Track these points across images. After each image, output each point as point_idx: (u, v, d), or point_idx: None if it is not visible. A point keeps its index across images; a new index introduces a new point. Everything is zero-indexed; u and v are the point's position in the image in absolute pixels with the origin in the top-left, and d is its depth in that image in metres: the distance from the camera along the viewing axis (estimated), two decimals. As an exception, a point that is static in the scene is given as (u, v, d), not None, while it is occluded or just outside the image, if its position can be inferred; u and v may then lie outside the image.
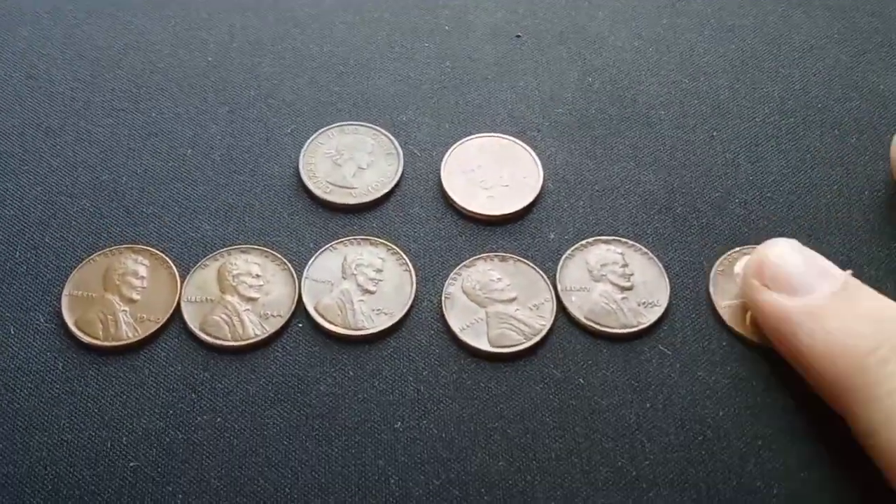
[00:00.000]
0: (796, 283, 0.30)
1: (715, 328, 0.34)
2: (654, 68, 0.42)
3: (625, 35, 0.43)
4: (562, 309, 0.34)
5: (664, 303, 0.34)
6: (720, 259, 0.35)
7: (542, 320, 0.34)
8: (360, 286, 0.34)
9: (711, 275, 0.35)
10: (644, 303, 0.34)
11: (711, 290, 0.35)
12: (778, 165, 0.39)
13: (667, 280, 0.35)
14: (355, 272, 0.35)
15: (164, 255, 0.35)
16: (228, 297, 0.34)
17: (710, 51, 0.43)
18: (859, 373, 0.27)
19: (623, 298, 0.34)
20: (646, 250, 0.36)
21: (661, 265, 0.35)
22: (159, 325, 0.33)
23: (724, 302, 0.34)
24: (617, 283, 0.35)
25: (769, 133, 0.40)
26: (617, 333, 0.33)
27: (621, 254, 0.35)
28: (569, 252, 0.36)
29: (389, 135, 0.39)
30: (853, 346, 0.28)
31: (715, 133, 0.40)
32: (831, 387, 0.29)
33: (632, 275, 0.35)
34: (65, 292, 0.34)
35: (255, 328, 0.33)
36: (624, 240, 0.36)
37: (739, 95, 0.41)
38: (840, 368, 0.28)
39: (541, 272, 0.35)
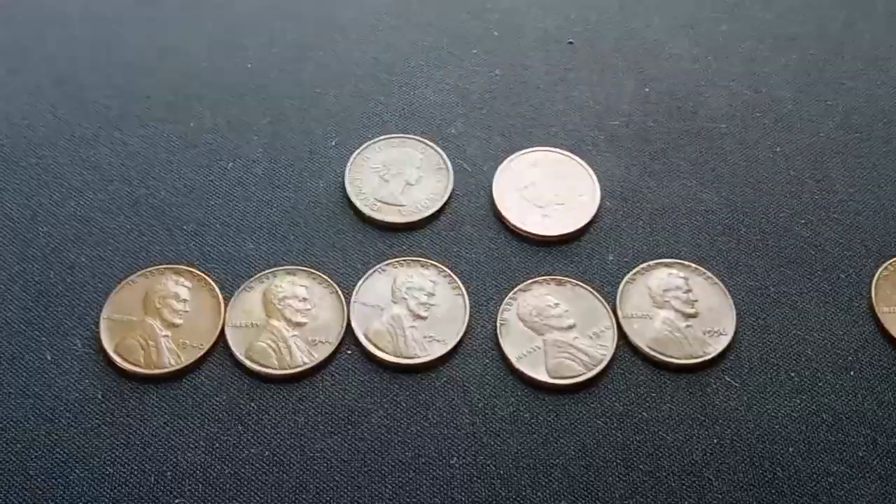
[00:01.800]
0: None
1: (784, 358, 0.32)
2: (713, 78, 0.40)
3: (682, 43, 0.41)
4: (623, 337, 0.33)
5: (730, 331, 0.33)
6: (886, 263, 0.34)
7: (603, 349, 0.32)
8: (412, 311, 0.33)
9: (874, 279, 0.34)
10: (709, 331, 0.33)
11: (873, 295, 0.33)
12: (843, 184, 0.37)
13: (733, 307, 0.33)
14: (406, 296, 0.33)
15: (206, 277, 0.33)
16: (274, 322, 0.32)
17: (771, 60, 0.41)
18: None
19: (687, 326, 0.33)
20: (710, 275, 0.34)
21: (726, 291, 0.34)
22: (203, 352, 0.32)
23: (886, 308, 0.33)
24: (681, 309, 0.33)
25: (834, 149, 0.38)
26: (681, 364, 0.32)
27: (685, 278, 0.34)
28: (629, 276, 0.34)
29: (438, 148, 0.37)
30: None
31: (778, 149, 0.38)
32: None
33: (696, 301, 0.33)
34: (103, 315, 0.32)
35: (303, 355, 0.32)
36: (687, 263, 0.34)
37: (802, 108, 0.39)
38: None
39: (600, 297, 0.33)
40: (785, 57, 0.41)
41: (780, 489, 0.30)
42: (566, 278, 0.34)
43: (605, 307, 0.33)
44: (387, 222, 0.35)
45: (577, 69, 0.40)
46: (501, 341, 0.32)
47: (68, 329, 0.32)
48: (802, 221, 0.36)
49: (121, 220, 0.35)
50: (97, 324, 0.32)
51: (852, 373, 0.32)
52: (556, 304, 0.33)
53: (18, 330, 0.32)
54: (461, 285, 0.34)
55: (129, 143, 0.37)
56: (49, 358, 0.32)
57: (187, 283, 0.33)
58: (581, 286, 0.34)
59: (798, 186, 0.37)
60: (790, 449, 0.30)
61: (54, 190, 0.36)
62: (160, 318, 0.32)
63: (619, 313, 0.33)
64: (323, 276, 0.34)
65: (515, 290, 0.33)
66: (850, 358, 0.32)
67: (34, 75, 0.40)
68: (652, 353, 0.32)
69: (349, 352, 0.32)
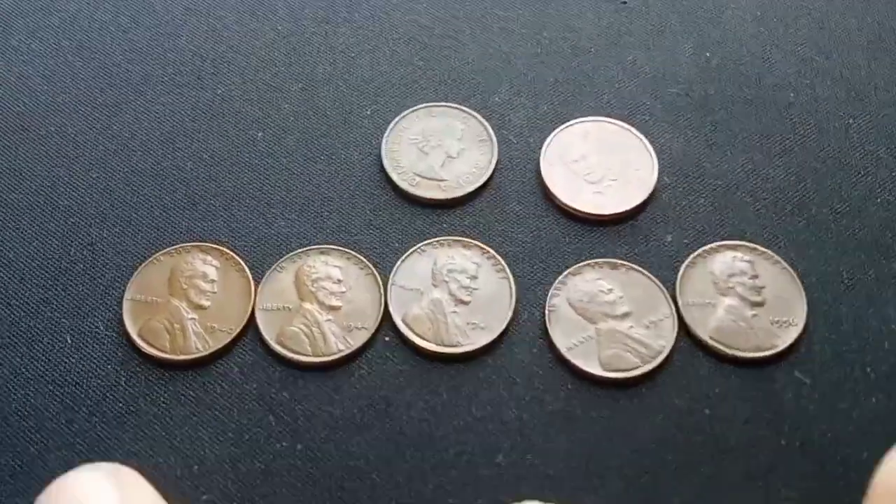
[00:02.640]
0: None
1: (859, 352, 0.30)
2: (780, 42, 0.37)
3: (746, 3, 0.38)
4: (683, 327, 0.30)
5: (801, 321, 0.30)
6: None
7: (662, 340, 0.30)
8: (453, 295, 0.31)
9: None
10: (778, 321, 0.30)
11: None
12: (924, 159, 0.34)
13: (803, 294, 0.30)
14: (447, 279, 0.31)
15: (235, 255, 0.31)
16: (307, 305, 0.30)
17: (842, 23, 0.37)
18: None
19: (754, 315, 0.30)
20: (778, 258, 0.31)
21: (795, 276, 0.31)
22: (232, 337, 0.30)
23: None
24: (746, 296, 0.30)
25: (913, 121, 0.35)
26: (747, 357, 0.29)
27: (750, 262, 0.31)
28: (690, 259, 0.31)
29: (481, 118, 0.35)
30: None
31: (851, 120, 0.35)
32: None
33: (763, 287, 0.31)
34: (126, 296, 0.30)
35: (338, 342, 0.29)
36: (753, 245, 0.32)
37: (877, 76, 0.36)
38: None
39: (658, 282, 0.31)
40: (858, 19, 0.38)
41: (854, 498, 0.27)
42: (620, 261, 0.31)
43: (663, 293, 0.31)
44: (426, 198, 0.33)
45: (631, 32, 0.37)
46: (550, 330, 0.30)
47: (89, 310, 0.31)
48: (878, 201, 0.33)
49: (144, 194, 0.33)
50: (120, 305, 0.30)
51: (933, 368, 0.30)
52: (610, 290, 0.31)
53: (36, 311, 0.30)
54: (506, 268, 0.31)
55: (153, 111, 0.35)
56: (69, 341, 0.30)
57: (215, 263, 0.31)
58: (637, 270, 0.31)
59: (873, 162, 0.34)
60: (865, 454, 0.28)
61: (74, 161, 0.34)
62: (186, 300, 0.30)
63: (679, 300, 0.30)
64: (358, 256, 0.31)
65: (565, 273, 0.31)
66: (932, 352, 0.30)
67: (54, 38, 0.37)
68: (715, 344, 0.29)
69: (387, 338, 0.30)
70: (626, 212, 0.32)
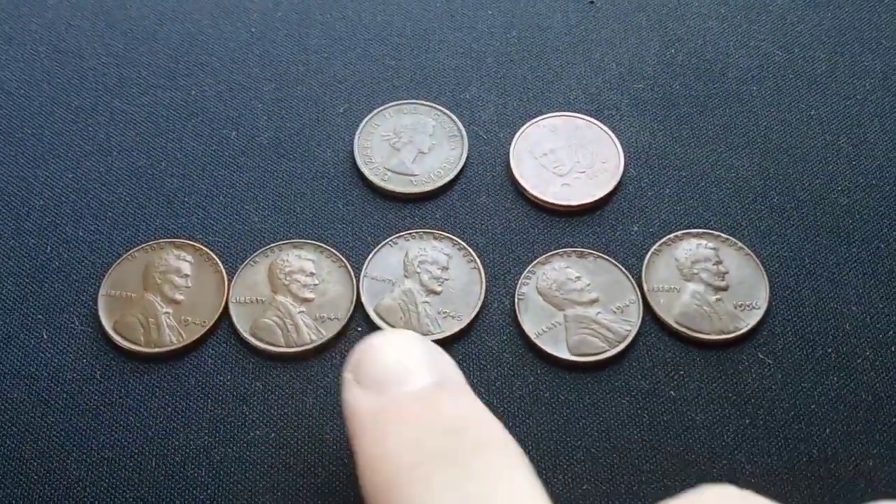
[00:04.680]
0: (383, 380, 0.23)
1: (820, 334, 0.30)
2: (743, 38, 0.38)
3: (709, 1, 0.39)
4: (649, 312, 0.31)
5: (763, 305, 0.31)
6: None
7: (628, 325, 0.30)
8: (425, 286, 0.31)
9: None
10: (741, 305, 0.31)
11: None
12: (883, 148, 0.35)
13: (766, 279, 0.31)
14: (418, 270, 0.31)
15: (208, 251, 0.32)
16: (280, 298, 0.31)
17: (804, 19, 0.38)
18: (400, 488, 0.20)
19: (717, 300, 0.31)
20: (741, 245, 0.32)
21: (758, 262, 0.32)
22: (206, 329, 0.30)
23: None
24: (710, 282, 0.31)
25: (872, 112, 0.36)
26: (711, 340, 0.30)
27: (714, 249, 0.32)
28: (655, 247, 0.32)
29: (452, 114, 0.35)
30: (401, 456, 0.21)
31: (812, 112, 0.36)
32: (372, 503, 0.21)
33: (726, 273, 0.31)
34: (101, 292, 0.31)
35: (310, 332, 0.30)
36: (717, 233, 0.32)
37: (838, 69, 0.37)
38: (381, 479, 0.21)
39: (624, 270, 0.31)
40: (818, 15, 0.39)
41: (815, 473, 0.28)
42: (588, 250, 0.32)
43: (629, 280, 0.31)
44: (398, 193, 0.33)
45: (598, 29, 0.38)
46: (520, 317, 0.30)
47: (65, 306, 0.31)
48: (839, 188, 0.34)
49: (120, 193, 0.33)
50: (95, 301, 0.31)
51: (893, 348, 0.30)
52: (578, 278, 0.31)
53: (13, 307, 0.31)
54: (477, 258, 0.32)
55: (128, 113, 0.36)
56: (45, 337, 0.30)
57: (189, 258, 0.32)
58: (604, 258, 0.32)
59: (834, 152, 0.35)
60: (827, 430, 0.29)
61: (51, 162, 0.34)
62: (161, 295, 0.31)
63: (645, 286, 0.31)
64: (331, 249, 0.32)
65: (534, 263, 0.32)
66: (892, 333, 0.30)
67: (31, 43, 0.38)
68: (680, 328, 0.30)
69: (359, 329, 0.31)
70: (594, 203, 0.33)
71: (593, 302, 0.31)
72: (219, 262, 0.31)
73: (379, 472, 0.21)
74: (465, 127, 0.35)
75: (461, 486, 0.20)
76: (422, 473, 0.20)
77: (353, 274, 0.31)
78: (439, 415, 0.22)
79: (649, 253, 0.32)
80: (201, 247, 0.32)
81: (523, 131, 0.35)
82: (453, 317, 0.30)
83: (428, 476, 0.20)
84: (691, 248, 0.32)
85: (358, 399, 0.23)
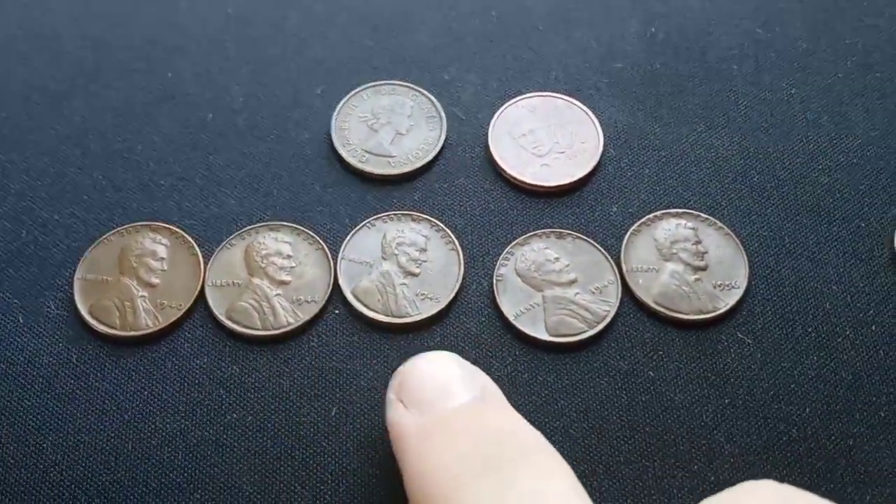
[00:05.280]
0: (426, 399, 0.24)
1: (800, 313, 0.30)
2: (724, 17, 0.37)
3: (691, -21, 0.39)
4: (628, 292, 0.31)
5: (742, 284, 0.31)
6: None
7: (606, 305, 0.30)
8: (402, 267, 0.31)
9: None
10: (720, 284, 0.31)
11: None
12: (864, 127, 0.35)
13: (745, 258, 0.31)
14: (396, 252, 0.31)
15: (184, 234, 0.31)
16: (257, 281, 0.31)
17: (785, -3, 0.38)
18: (447, 499, 0.21)
19: (696, 280, 0.31)
20: (721, 224, 0.32)
21: (738, 241, 0.31)
22: (182, 313, 0.30)
23: None
24: (689, 262, 0.31)
25: (854, 90, 0.36)
26: (690, 320, 0.30)
27: (693, 229, 0.32)
28: (634, 227, 0.32)
29: (430, 95, 0.35)
30: (448, 468, 0.22)
31: (793, 90, 0.35)
32: None
33: (706, 252, 0.31)
34: (77, 276, 0.31)
35: (287, 315, 0.30)
36: (696, 213, 0.32)
37: (820, 48, 0.37)
38: (430, 493, 0.22)
39: (603, 251, 0.31)
40: (801, -7, 0.38)
41: (795, 452, 0.28)
42: (567, 231, 0.32)
43: (608, 261, 0.31)
44: (376, 174, 0.33)
45: (578, 9, 0.38)
46: (498, 298, 0.30)
47: (41, 290, 0.31)
48: (820, 167, 0.34)
49: (95, 176, 0.33)
50: (71, 284, 0.31)
51: (874, 327, 0.30)
52: (557, 259, 0.31)
53: (-12, 292, 0.31)
54: (455, 240, 0.32)
55: (104, 96, 0.35)
56: (21, 321, 0.30)
57: (165, 241, 0.31)
58: (583, 239, 0.32)
59: (815, 130, 0.34)
60: (807, 409, 0.29)
61: (26, 146, 0.34)
62: (136, 278, 0.31)
63: (624, 267, 0.31)
64: (308, 231, 0.32)
65: (513, 244, 0.31)
66: (872, 311, 0.30)
67: (6, 27, 0.38)
68: (658, 308, 0.30)
69: (336, 311, 0.30)
70: (573, 183, 0.33)
71: (572, 283, 0.31)
72: (195, 245, 0.31)
73: (426, 484, 0.22)
74: (443, 108, 0.35)
75: (506, 492, 0.21)
76: (468, 481, 0.21)
77: (330, 256, 0.31)
78: (483, 426, 0.23)
79: (628, 233, 0.32)
80: (177, 230, 0.32)
81: (502, 112, 0.35)
82: (431, 298, 0.30)
83: (474, 484, 0.21)
84: (670, 227, 0.32)
85: (403, 418, 0.24)
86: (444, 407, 0.24)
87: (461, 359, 0.26)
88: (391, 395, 0.25)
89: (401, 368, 0.26)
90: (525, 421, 0.24)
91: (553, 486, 0.22)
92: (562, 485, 0.22)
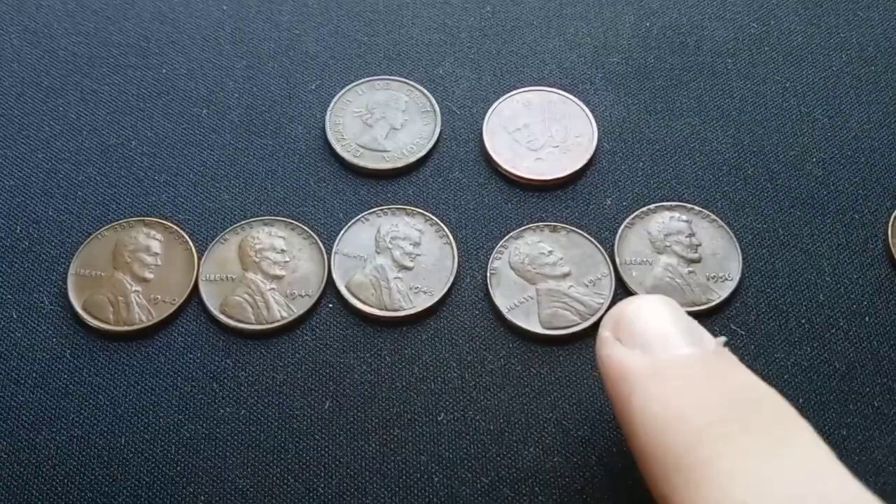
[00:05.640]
0: (652, 340, 0.23)
1: (793, 304, 0.30)
2: (718, 11, 0.37)
3: (685, -26, 0.39)
4: (621, 285, 0.31)
5: (736, 276, 0.31)
6: None
7: (600, 298, 0.30)
8: (396, 261, 0.31)
9: (890, 220, 0.32)
10: (713, 277, 0.31)
11: (889, 236, 0.31)
12: (858, 120, 0.35)
13: (739, 250, 0.31)
14: (390, 246, 0.31)
15: (178, 229, 0.31)
16: (251, 275, 0.31)
17: (780, -10, 0.38)
18: (690, 449, 0.20)
19: (690, 272, 0.31)
20: (714, 217, 0.32)
21: (731, 234, 0.31)
22: (175, 307, 0.30)
23: None
24: (683, 254, 0.31)
25: (848, 83, 0.36)
26: (684, 312, 0.30)
27: (687, 221, 0.32)
28: (628, 220, 0.32)
29: (425, 90, 0.35)
30: (692, 417, 0.21)
31: (788, 84, 0.35)
32: (655, 463, 0.21)
33: (699, 245, 0.31)
34: (71, 271, 0.31)
35: (281, 309, 0.30)
36: (690, 206, 0.32)
37: (814, 42, 0.37)
38: (669, 441, 0.21)
39: (597, 244, 0.31)
40: (795, -13, 0.38)
41: (789, 443, 0.28)
42: (561, 224, 0.32)
43: (602, 254, 0.31)
44: (370, 169, 0.33)
45: (572, 4, 0.37)
46: (492, 291, 0.30)
47: (35, 286, 0.31)
48: (814, 160, 0.34)
49: (90, 172, 0.33)
50: (65, 280, 0.31)
51: (867, 318, 0.30)
52: (550, 252, 0.31)
53: (-18, 287, 0.31)
54: (449, 234, 0.32)
55: (98, 92, 0.35)
56: (15, 316, 0.30)
57: (159, 236, 0.31)
58: (577, 232, 0.32)
59: (809, 124, 0.34)
60: (800, 400, 0.29)
61: (20, 142, 0.34)
62: (130, 273, 0.31)
63: (617, 260, 0.31)
64: (302, 226, 0.32)
65: (507, 237, 0.31)
66: (865, 303, 0.30)
67: (0, 23, 0.37)
68: (652, 301, 0.30)
69: (330, 305, 0.30)
70: (567, 177, 0.33)
71: (565, 276, 0.31)
72: (189, 239, 0.31)
73: (668, 431, 0.21)
74: (438, 102, 0.35)
75: (768, 453, 0.20)
76: (722, 433, 0.20)
77: (324, 250, 0.31)
78: (725, 381, 0.22)
79: (622, 226, 0.32)
80: (171, 225, 0.32)
81: (497, 106, 0.35)
82: (425, 292, 0.30)
83: (729, 437, 0.20)
84: (664, 220, 0.32)
85: (626, 357, 0.23)
86: (672, 352, 0.22)
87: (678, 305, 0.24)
88: (605, 332, 0.24)
89: (618, 305, 0.24)
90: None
91: (824, 454, 0.20)
92: (828, 458, 0.20)
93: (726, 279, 0.30)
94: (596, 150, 0.33)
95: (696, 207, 0.32)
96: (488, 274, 0.31)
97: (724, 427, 0.20)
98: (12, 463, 0.27)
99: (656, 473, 0.21)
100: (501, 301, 0.30)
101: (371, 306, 0.30)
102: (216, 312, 0.30)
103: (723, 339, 0.24)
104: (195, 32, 0.37)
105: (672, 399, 0.21)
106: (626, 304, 0.24)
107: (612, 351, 0.23)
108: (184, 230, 0.32)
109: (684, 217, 0.32)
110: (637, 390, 0.22)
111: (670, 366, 0.22)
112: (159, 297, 0.30)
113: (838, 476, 0.20)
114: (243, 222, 0.32)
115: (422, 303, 0.30)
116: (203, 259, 0.31)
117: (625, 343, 0.23)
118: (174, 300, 0.30)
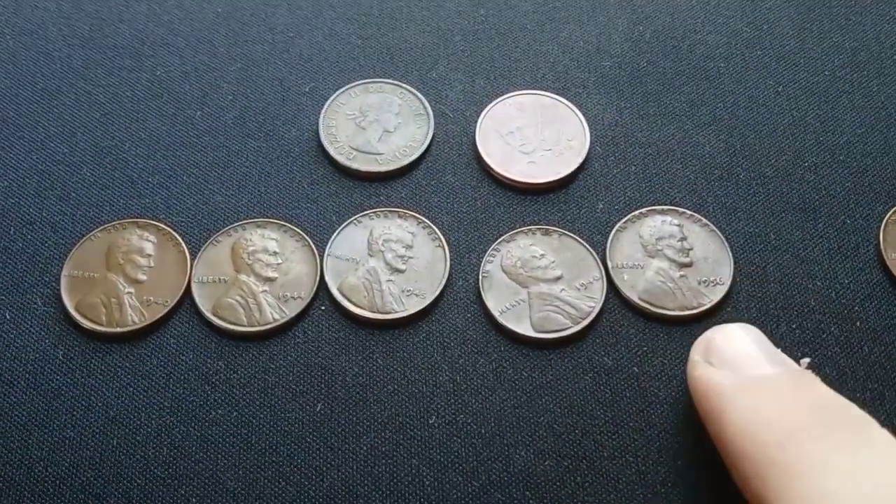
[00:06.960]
0: (740, 361, 0.26)
1: (785, 309, 0.30)
2: (711, 16, 0.38)
3: (678, -22, 0.39)
4: (613, 289, 0.31)
5: (727, 281, 0.31)
6: (895, 207, 0.32)
7: (591, 301, 0.30)
8: (389, 264, 0.31)
9: (882, 224, 0.32)
10: (705, 281, 0.31)
11: (881, 241, 0.31)
12: (850, 125, 0.35)
13: (730, 255, 0.31)
14: (383, 248, 0.31)
15: (171, 231, 0.32)
16: (243, 277, 0.31)
17: (773, -5, 0.38)
18: (783, 448, 0.22)
19: (681, 276, 0.31)
20: (706, 221, 0.32)
21: (723, 238, 0.31)
22: (168, 309, 0.30)
23: (895, 255, 0.31)
24: (674, 258, 0.31)
25: (840, 88, 0.36)
26: (675, 316, 0.30)
27: (679, 225, 0.32)
28: (620, 224, 0.32)
29: (418, 93, 0.35)
30: (783, 420, 0.23)
31: (780, 88, 0.36)
32: (748, 462, 0.23)
33: (691, 249, 0.31)
34: (64, 272, 0.31)
35: (273, 311, 0.30)
36: (682, 210, 0.32)
37: (806, 46, 0.37)
38: (761, 442, 0.23)
39: (588, 247, 0.31)
40: (788, -8, 0.38)
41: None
42: (553, 228, 0.32)
43: (593, 257, 0.31)
44: (363, 172, 0.33)
45: (566, 8, 0.38)
46: (484, 295, 0.30)
47: (28, 287, 0.31)
48: (806, 164, 0.34)
49: (83, 174, 0.33)
50: (58, 281, 0.31)
51: (858, 323, 0.30)
52: (542, 255, 0.31)
53: (-25, 289, 0.31)
54: (441, 237, 0.32)
55: (93, 94, 0.35)
56: (8, 317, 0.30)
57: (152, 238, 0.31)
58: (569, 236, 0.32)
59: (802, 128, 0.35)
60: (791, 404, 0.29)
61: (15, 143, 0.34)
62: (123, 275, 0.31)
63: (609, 263, 0.31)
64: (295, 228, 0.32)
65: (499, 240, 0.32)
66: (857, 308, 0.31)
67: (-4, 25, 0.38)
68: (643, 304, 0.30)
69: (322, 308, 0.31)
70: (559, 180, 0.33)
71: (557, 279, 0.31)
72: (182, 241, 0.31)
73: (760, 432, 0.23)
74: (431, 105, 0.35)
75: (854, 450, 0.22)
76: (811, 434, 0.22)
77: (316, 253, 0.31)
78: (810, 393, 0.25)
79: (614, 230, 0.32)
80: (164, 227, 0.32)
81: (489, 109, 0.35)
82: (417, 295, 0.30)
83: (818, 437, 0.22)
84: (656, 224, 0.32)
85: (715, 376, 0.25)
86: (757, 372, 0.25)
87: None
88: (696, 356, 0.26)
89: (706, 334, 0.27)
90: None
91: None
92: None
93: (718, 283, 0.31)
94: (588, 154, 0.33)
95: (688, 211, 0.32)
96: (480, 277, 0.31)
97: (812, 429, 0.23)
98: (4, 465, 0.28)
99: (749, 472, 0.23)
100: (493, 304, 0.30)
101: (363, 309, 0.30)
102: (209, 314, 0.30)
103: (807, 360, 0.26)
104: (189, 35, 0.37)
105: (763, 406, 0.24)
106: (715, 331, 0.27)
107: (704, 372, 0.26)
108: (177, 232, 0.32)
109: (676, 221, 0.32)
110: (729, 403, 0.24)
111: (759, 381, 0.25)
112: (152, 298, 0.30)
113: None
114: (236, 224, 0.32)
115: (414, 306, 0.30)
116: (196, 261, 0.31)
117: (715, 365, 0.26)
118: (167, 302, 0.30)
